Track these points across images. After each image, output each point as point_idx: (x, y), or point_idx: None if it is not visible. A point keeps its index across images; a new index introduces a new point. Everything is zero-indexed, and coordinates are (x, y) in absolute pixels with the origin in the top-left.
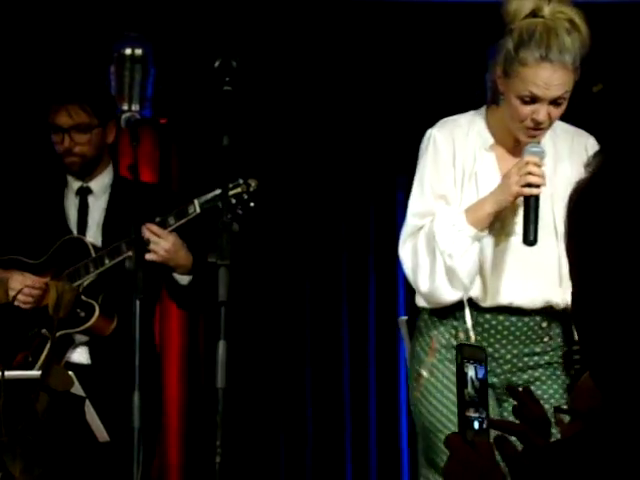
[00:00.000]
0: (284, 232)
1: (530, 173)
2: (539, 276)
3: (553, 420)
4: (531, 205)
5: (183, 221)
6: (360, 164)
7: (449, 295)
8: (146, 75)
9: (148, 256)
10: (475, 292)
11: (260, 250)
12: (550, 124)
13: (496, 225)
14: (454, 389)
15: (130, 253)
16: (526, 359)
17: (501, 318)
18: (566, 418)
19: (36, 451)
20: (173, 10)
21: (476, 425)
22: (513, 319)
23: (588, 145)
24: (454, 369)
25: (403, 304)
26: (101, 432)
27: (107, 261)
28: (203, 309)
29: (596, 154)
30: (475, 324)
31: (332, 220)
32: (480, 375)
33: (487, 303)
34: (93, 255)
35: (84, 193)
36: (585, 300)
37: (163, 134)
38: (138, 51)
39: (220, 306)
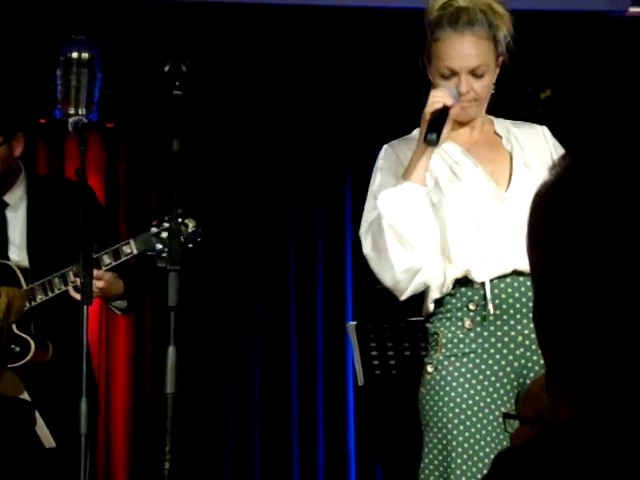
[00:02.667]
0: (232, 237)
1: (434, 96)
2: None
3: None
4: (434, 116)
5: (119, 262)
6: (310, 164)
7: (400, 262)
8: (93, 79)
9: (75, 295)
10: (472, 265)
11: (208, 255)
12: (478, 97)
13: (481, 194)
14: (459, 385)
15: (65, 288)
16: (532, 336)
17: (504, 286)
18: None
19: None
20: (121, 13)
21: None
22: (515, 284)
23: (545, 132)
24: (459, 365)
25: (351, 309)
26: (47, 438)
27: (40, 297)
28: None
29: (562, 157)
30: (477, 305)
31: (280, 224)
32: None
33: (487, 274)
34: (23, 284)
35: (0, 207)
36: (547, 307)
37: (110, 138)
38: (85, 54)
39: (170, 311)
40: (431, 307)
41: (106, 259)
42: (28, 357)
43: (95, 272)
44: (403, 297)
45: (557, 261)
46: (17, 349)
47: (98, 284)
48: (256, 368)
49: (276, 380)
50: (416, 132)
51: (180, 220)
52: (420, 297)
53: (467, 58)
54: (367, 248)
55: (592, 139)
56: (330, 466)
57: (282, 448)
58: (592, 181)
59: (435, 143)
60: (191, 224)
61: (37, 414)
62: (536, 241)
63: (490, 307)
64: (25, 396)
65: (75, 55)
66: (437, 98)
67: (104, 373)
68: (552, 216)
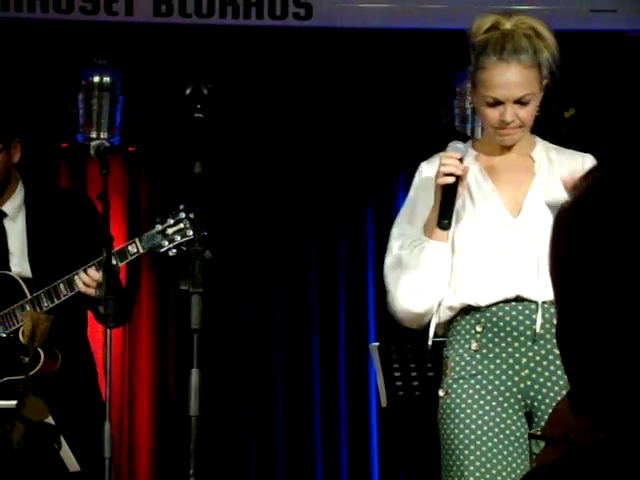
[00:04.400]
0: (254, 260)
1: (444, 164)
2: (540, 261)
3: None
4: (445, 193)
5: (126, 262)
6: (332, 189)
7: (407, 303)
8: (115, 102)
9: (87, 290)
10: (477, 291)
11: (231, 276)
12: (522, 124)
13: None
14: (467, 407)
15: (71, 294)
16: (546, 365)
17: (507, 311)
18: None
19: None
20: (142, 36)
21: None
22: (519, 310)
23: (585, 162)
24: (467, 387)
25: (374, 330)
26: (72, 462)
27: (46, 304)
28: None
29: (584, 176)
30: (483, 328)
31: (302, 245)
32: None
33: (490, 299)
34: (27, 293)
35: None
36: (572, 329)
37: (132, 162)
38: (106, 78)
39: (193, 334)
40: (440, 332)
41: (112, 262)
42: (38, 367)
43: (93, 272)
44: (403, 325)
45: (582, 282)
46: (26, 359)
47: (95, 276)
48: (279, 390)
49: (299, 402)
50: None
51: (183, 215)
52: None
53: (513, 88)
54: (388, 283)
55: (614, 157)
56: None
57: (306, 469)
58: (616, 200)
59: (448, 229)
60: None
61: (62, 438)
62: (560, 262)
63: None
64: (50, 420)
65: (97, 79)
66: (447, 169)
67: (127, 396)
68: (576, 236)
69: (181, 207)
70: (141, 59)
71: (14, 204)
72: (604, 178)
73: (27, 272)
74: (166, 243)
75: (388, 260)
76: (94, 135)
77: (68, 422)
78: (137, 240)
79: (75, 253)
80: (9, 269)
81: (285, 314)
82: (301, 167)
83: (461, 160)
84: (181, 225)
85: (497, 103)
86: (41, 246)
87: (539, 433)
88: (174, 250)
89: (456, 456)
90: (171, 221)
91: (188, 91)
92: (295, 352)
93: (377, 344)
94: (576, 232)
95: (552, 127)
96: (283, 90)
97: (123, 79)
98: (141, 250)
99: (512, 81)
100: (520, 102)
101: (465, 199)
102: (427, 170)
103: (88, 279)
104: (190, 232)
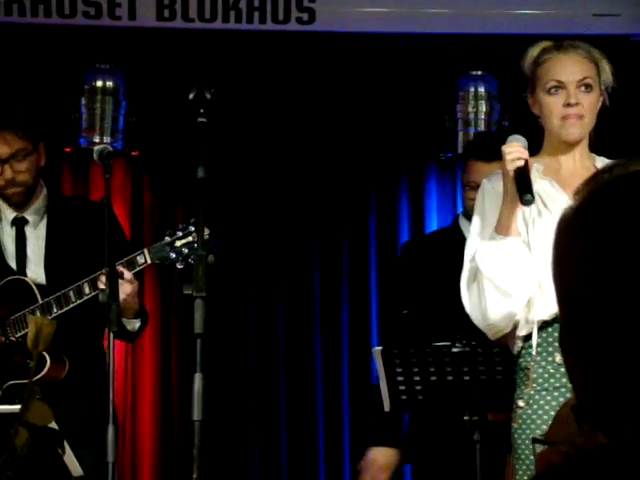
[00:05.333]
0: (256, 263)
1: (509, 152)
2: None
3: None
4: (518, 173)
5: (134, 271)
6: (334, 192)
7: (497, 308)
8: (118, 107)
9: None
10: (541, 311)
11: (233, 279)
12: (584, 113)
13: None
14: (550, 419)
15: (80, 301)
16: None
17: None
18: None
19: None
20: (145, 41)
21: None
22: None
23: None
24: (550, 399)
25: (376, 334)
26: (75, 467)
27: (55, 309)
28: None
29: (586, 181)
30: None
31: (305, 249)
32: None
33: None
34: (39, 298)
35: (20, 224)
36: (578, 335)
37: (135, 166)
38: (109, 83)
39: (196, 338)
40: (519, 343)
41: (120, 269)
42: (43, 372)
43: (127, 274)
44: (496, 337)
45: (587, 286)
46: (32, 363)
47: (126, 288)
48: (282, 393)
49: (302, 406)
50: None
51: (193, 229)
52: (447, 323)
53: (575, 69)
54: (468, 301)
55: (619, 161)
56: None
57: (309, 474)
58: (622, 203)
59: (532, 203)
60: (205, 232)
61: (65, 443)
62: (563, 267)
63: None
64: (54, 425)
65: (100, 83)
66: (513, 155)
67: (130, 401)
68: (581, 240)
69: (191, 220)
70: (144, 63)
71: (36, 211)
72: (609, 182)
73: (42, 279)
74: (174, 255)
75: (463, 278)
76: (97, 139)
77: (79, 429)
78: (146, 251)
79: (91, 263)
80: (25, 274)
81: (287, 318)
82: (304, 170)
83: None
84: (190, 238)
85: (559, 88)
86: (57, 255)
87: (539, 438)
88: (182, 263)
89: (535, 466)
90: (180, 234)
91: (191, 96)
92: (298, 356)
93: (380, 348)
94: (581, 235)
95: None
96: (286, 94)
97: (126, 83)
98: (149, 261)
99: (573, 64)
100: (583, 86)
101: (541, 210)
102: (489, 186)
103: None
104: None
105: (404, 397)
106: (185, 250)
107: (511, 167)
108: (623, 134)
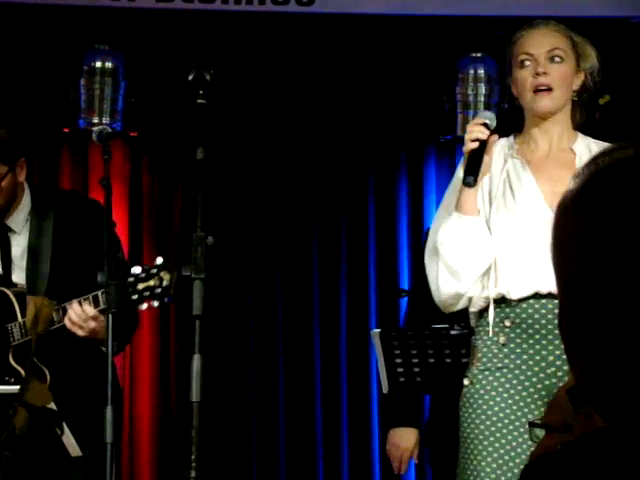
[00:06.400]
0: (255, 245)
1: (469, 132)
2: None
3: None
4: (470, 154)
5: (99, 308)
6: (333, 175)
7: (446, 285)
8: (117, 88)
9: (77, 331)
10: (509, 284)
11: (231, 262)
12: (552, 84)
13: (514, 217)
14: (491, 399)
15: (64, 322)
16: (563, 357)
17: (537, 307)
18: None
19: (14, 466)
20: (145, 22)
21: None
22: (549, 306)
23: None
24: (492, 379)
25: (375, 317)
26: (73, 447)
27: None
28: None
29: (586, 165)
30: (512, 323)
31: (304, 233)
32: None
33: (521, 293)
34: (18, 315)
35: (3, 231)
36: (576, 320)
37: (134, 147)
38: (109, 64)
39: (195, 319)
40: (473, 321)
41: (84, 306)
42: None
43: (93, 313)
44: (448, 311)
45: (585, 273)
46: (12, 380)
47: (91, 324)
48: (280, 375)
49: (300, 388)
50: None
51: (155, 271)
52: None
53: (543, 41)
54: (428, 273)
55: (617, 144)
56: (354, 473)
57: (306, 455)
58: (621, 186)
59: (472, 185)
60: (166, 278)
61: (64, 424)
62: (562, 251)
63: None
64: (52, 406)
65: (99, 64)
66: (471, 135)
67: (129, 382)
68: (580, 223)
69: (158, 262)
70: (144, 44)
71: (19, 218)
72: (609, 165)
73: (23, 282)
74: (135, 297)
75: (427, 250)
76: (96, 120)
77: (74, 406)
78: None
79: (74, 264)
80: (10, 279)
81: (286, 300)
82: (303, 153)
83: (486, 126)
84: (150, 282)
85: (529, 61)
86: (38, 259)
87: (538, 422)
88: (143, 305)
89: (474, 445)
90: (142, 275)
91: (191, 77)
92: (296, 338)
93: (378, 331)
94: (581, 219)
95: (586, 113)
96: (286, 76)
97: (125, 64)
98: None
99: (543, 35)
100: (551, 58)
101: (505, 191)
102: (460, 164)
103: (78, 314)
104: (159, 290)
105: (402, 379)
106: (146, 293)
107: (465, 149)
108: (623, 116)
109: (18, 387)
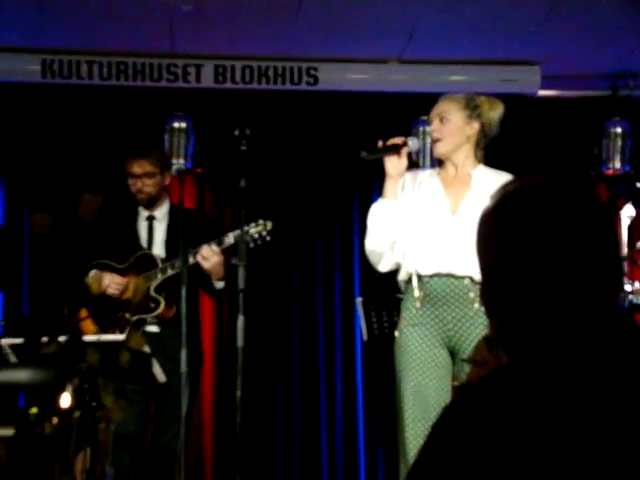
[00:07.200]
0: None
1: (393, 139)
2: (466, 249)
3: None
4: (381, 147)
5: (222, 247)
6: (330, 192)
7: (368, 246)
8: (188, 140)
9: (204, 263)
10: (419, 264)
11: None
12: (439, 138)
13: (434, 209)
14: (411, 344)
15: (197, 259)
16: (463, 321)
17: (440, 282)
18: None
19: (121, 389)
20: (207, 96)
21: None
22: (448, 282)
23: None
24: (412, 331)
25: (359, 288)
26: (160, 375)
27: (169, 271)
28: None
29: (499, 189)
30: (424, 293)
31: (308, 232)
32: None
33: (428, 271)
34: (160, 266)
35: (151, 219)
36: (494, 294)
37: (200, 179)
38: (182, 124)
39: (240, 292)
40: (402, 287)
41: (213, 244)
42: (158, 311)
43: (216, 249)
44: (379, 268)
45: (502, 261)
46: (152, 305)
47: (214, 259)
48: (295, 329)
49: (309, 339)
50: (421, 170)
51: (262, 221)
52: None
53: (435, 109)
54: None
55: (522, 176)
56: (347, 403)
57: (310, 385)
58: (524, 204)
59: (364, 157)
60: (269, 224)
61: (154, 360)
62: (484, 247)
63: (417, 304)
64: (146, 349)
65: (176, 125)
66: (392, 139)
67: None
68: (495, 230)
69: (259, 221)
70: (206, 111)
71: (162, 212)
72: (516, 189)
73: (162, 255)
74: (248, 239)
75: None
76: (175, 161)
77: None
78: (230, 234)
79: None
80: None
81: (301, 277)
82: (308, 180)
83: (404, 144)
84: (259, 228)
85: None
86: (173, 246)
87: (466, 358)
88: (253, 244)
89: (402, 374)
90: (253, 224)
91: (236, 132)
92: (305, 303)
93: (361, 299)
94: (497, 226)
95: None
96: (298, 132)
97: (194, 124)
98: (232, 241)
99: (437, 105)
100: (440, 120)
101: (423, 199)
102: (408, 176)
103: (207, 250)
104: (264, 232)
105: (377, 332)
106: (255, 235)
107: (387, 142)
108: (516, 159)
109: (123, 336)
